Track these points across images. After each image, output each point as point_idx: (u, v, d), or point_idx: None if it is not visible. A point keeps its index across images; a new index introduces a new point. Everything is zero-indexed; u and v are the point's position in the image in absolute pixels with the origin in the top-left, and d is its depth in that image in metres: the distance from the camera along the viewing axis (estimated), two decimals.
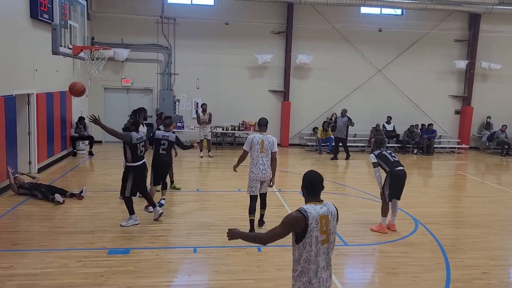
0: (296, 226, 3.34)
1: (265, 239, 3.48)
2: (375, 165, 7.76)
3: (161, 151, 8.49)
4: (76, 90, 7.75)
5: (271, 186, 7.68)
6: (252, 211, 7.45)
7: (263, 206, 7.80)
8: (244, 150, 7.49)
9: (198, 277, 5.93)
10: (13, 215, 8.10)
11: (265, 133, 7.53)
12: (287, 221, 3.37)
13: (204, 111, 15.05)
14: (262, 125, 7.61)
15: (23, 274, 5.69)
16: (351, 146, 17.62)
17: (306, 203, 3.47)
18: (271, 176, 7.51)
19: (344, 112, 15.46)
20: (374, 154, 7.84)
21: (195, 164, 13.76)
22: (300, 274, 3.44)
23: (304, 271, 3.41)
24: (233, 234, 3.57)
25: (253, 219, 7.49)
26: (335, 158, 15.41)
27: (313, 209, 3.36)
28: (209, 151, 15.05)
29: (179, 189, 10.24)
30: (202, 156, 14.67)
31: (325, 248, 3.44)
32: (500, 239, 7.89)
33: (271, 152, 7.43)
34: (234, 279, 5.72)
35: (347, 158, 15.46)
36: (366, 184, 11.43)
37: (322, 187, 3.52)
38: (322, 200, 3.48)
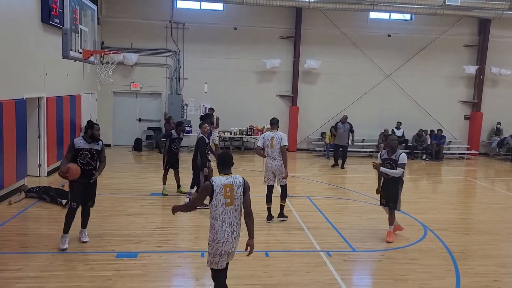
0: (207, 192, 4.41)
1: (192, 205, 4.69)
2: (404, 167, 7.31)
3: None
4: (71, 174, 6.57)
5: (285, 178, 8.14)
6: (268, 200, 8.29)
7: (283, 196, 8.32)
8: (257, 146, 8.44)
9: (206, 281, 5.91)
10: (22, 218, 8.16)
11: (276, 131, 8.20)
12: (201, 189, 4.63)
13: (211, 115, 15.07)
14: (273, 123, 8.33)
15: (32, 276, 5.72)
16: (359, 152, 17.58)
17: (219, 175, 4.50)
18: (283, 169, 8.05)
19: (344, 119, 14.85)
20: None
21: None
22: (211, 227, 4.49)
23: (212, 225, 4.47)
24: (173, 210, 4.72)
25: (270, 207, 8.29)
26: (336, 165, 14.74)
27: (218, 180, 4.41)
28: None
29: (185, 193, 10.23)
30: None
31: (231, 209, 4.42)
32: (510, 246, 7.80)
33: (280, 146, 8.03)
34: (241, 283, 5.70)
35: (342, 167, 14.61)
36: (374, 190, 11.30)
37: (232, 164, 4.57)
38: (231, 173, 4.50)
